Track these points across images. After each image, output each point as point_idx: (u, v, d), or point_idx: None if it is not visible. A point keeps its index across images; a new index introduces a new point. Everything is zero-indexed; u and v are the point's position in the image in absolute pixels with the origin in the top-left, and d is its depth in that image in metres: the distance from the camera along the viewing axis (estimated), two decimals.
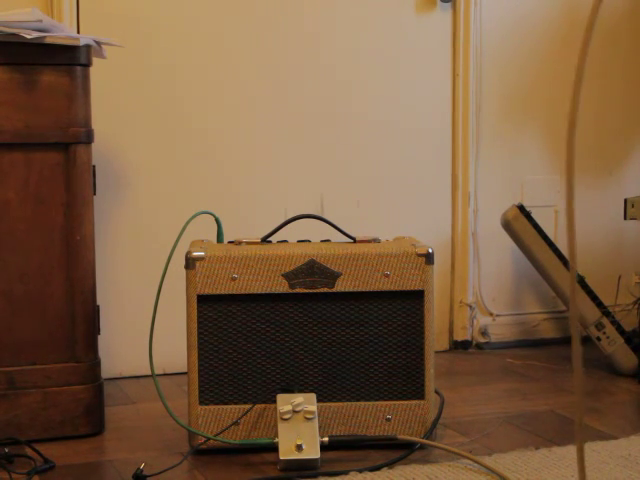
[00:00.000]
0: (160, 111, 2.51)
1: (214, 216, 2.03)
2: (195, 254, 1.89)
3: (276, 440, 1.82)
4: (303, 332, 1.92)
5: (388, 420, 1.93)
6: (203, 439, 1.88)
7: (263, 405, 1.91)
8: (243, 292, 1.90)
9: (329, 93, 2.66)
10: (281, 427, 1.82)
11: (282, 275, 1.90)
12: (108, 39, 2.08)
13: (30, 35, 1.88)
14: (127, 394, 2.36)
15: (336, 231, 2.01)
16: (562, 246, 2.71)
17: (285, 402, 1.84)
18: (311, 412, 1.83)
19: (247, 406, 1.90)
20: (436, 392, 2.00)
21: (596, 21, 0.84)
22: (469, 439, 1.99)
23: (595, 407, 2.21)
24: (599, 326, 2.53)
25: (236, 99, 2.58)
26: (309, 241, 2.03)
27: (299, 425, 1.82)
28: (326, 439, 1.85)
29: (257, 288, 1.90)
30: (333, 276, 1.91)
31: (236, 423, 1.90)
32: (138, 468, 1.76)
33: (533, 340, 2.90)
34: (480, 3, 2.77)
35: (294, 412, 1.83)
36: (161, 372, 2.51)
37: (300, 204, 2.62)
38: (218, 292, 1.89)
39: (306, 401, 1.84)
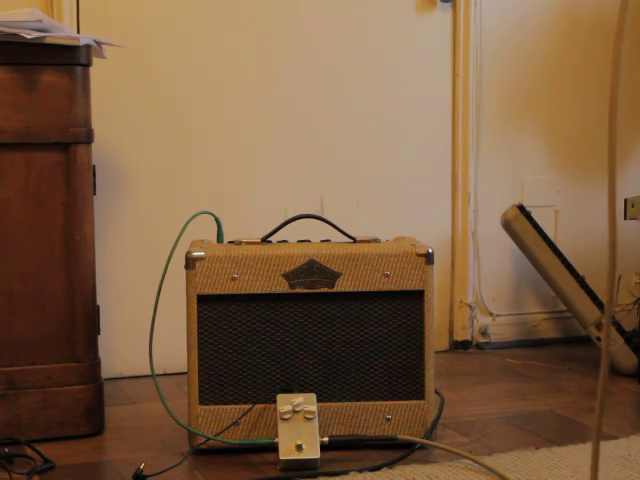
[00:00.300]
0: (160, 111, 2.51)
1: (214, 216, 2.03)
2: (195, 254, 1.89)
3: (276, 440, 1.82)
4: (303, 332, 1.92)
5: (388, 420, 1.93)
6: (203, 439, 1.88)
7: (263, 405, 1.91)
8: (243, 292, 1.90)
9: (329, 93, 2.66)
10: (281, 427, 1.82)
11: (282, 275, 1.90)
12: (108, 39, 2.08)
13: (30, 35, 1.87)
14: (127, 394, 2.36)
15: (336, 231, 2.00)
16: (562, 246, 2.71)
17: (285, 402, 1.84)
18: (311, 412, 1.83)
19: (247, 406, 1.90)
20: (436, 392, 2.00)
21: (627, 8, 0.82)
22: (469, 439, 1.99)
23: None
24: (599, 326, 2.53)
25: (236, 99, 2.58)
26: (309, 241, 2.03)
27: (299, 425, 1.82)
28: (326, 439, 1.85)
29: (257, 288, 1.90)
30: (333, 276, 1.91)
31: (236, 423, 1.90)
32: (138, 468, 1.76)
33: (533, 340, 2.90)
34: (480, 3, 2.77)
35: (294, 412, 1.83)
36: (161, 372, 2.51)
37: (300, 204, 2.62)
38: (218, 292, 1.89)
39: (306, 401, 1.84)
